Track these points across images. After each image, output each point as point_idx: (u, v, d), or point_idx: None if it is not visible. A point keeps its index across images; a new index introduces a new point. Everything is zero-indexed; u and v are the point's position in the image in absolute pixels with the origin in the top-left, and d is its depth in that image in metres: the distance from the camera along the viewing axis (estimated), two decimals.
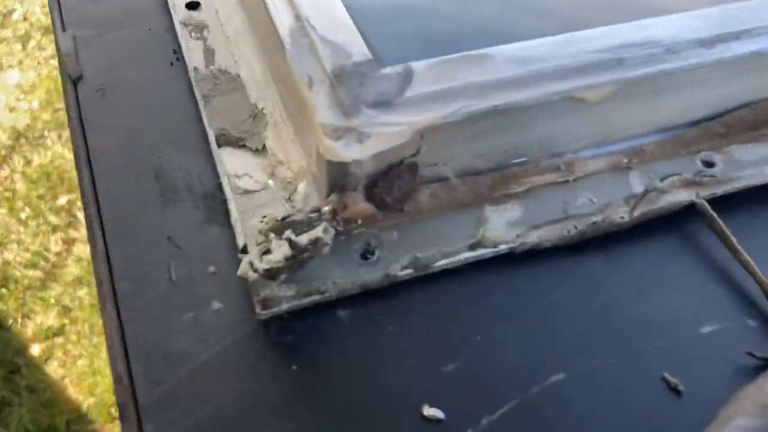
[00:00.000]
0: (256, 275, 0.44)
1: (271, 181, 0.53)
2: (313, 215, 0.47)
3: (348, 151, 0.46)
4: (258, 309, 0.46)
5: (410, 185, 0.50)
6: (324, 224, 0.45)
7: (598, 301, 0.49)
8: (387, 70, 0.49)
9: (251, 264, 0.44)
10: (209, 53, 0.63)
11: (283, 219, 0.47)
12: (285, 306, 0.46)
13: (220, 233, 0.51)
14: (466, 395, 0.44)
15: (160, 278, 0.49)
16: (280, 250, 0.45)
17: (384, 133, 0.47)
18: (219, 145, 0.55)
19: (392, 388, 0.44)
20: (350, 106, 0.47)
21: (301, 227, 0.46)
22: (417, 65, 0.49)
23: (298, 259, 0.44)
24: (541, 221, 0.52)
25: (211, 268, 0.49)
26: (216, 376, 0.44)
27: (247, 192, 0.52)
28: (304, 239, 0.44)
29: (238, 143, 0.55)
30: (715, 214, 0.52)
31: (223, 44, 0.63)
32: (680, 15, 0.55)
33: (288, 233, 0.43)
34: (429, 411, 0.43)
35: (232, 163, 0.54)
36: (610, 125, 0.54)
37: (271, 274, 0.44)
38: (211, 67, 0.61)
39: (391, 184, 0.49)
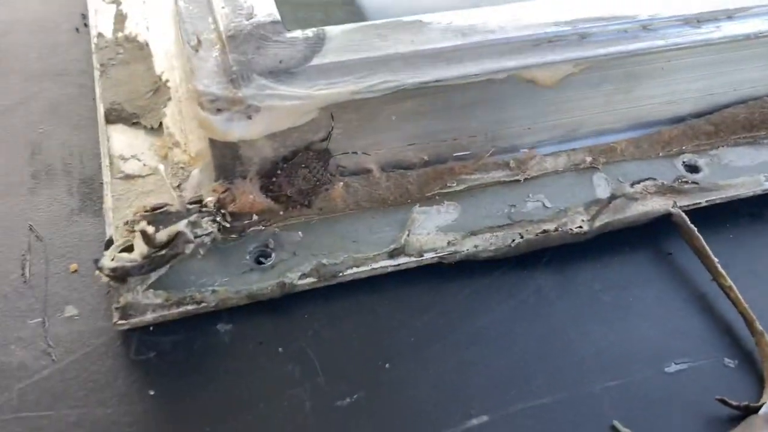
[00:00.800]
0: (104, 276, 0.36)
1: (161, 166, 0.44)
2: (192, 206, 0.39)
3: (231, 128, 0.37)
4: (116, 318, 0.37)
5: (319, 176, 0.41)
6: (193, 217, 0.36)
7: (542, 327, 0.40)
8: (294, 34, 0.40)
9: (96, 262, 0.35)
10: (120, 18, 0.54)
11: (154, 209, 0.38)
12: (150, 316, 0.38)
13: (93, 225, 0.43)
14: None
15: (11, 275, 0.40)
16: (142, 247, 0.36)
17: (278, 108, 0.38)
18: (108, 122, 0.46)
19: (269, 425, 0.35)
20: (240, 74, 0.38)
21: (176, 220, 0.38)
22: (332, 30, 0.41)
23: (155, 258, 0.35)
24: (481, 227, 0.43)
25: (73, 266, 0.41)
26: (54, 399, 0.36)
27: (129, 177, 0.43)
28: (163, 234, 0.35)
29: (131, 120, 0.47)
30: (694, 229, 0.43)
31: (138, 9, 0.55)
32: None
33: (142, 225, 0.34)
34: None
35: (120, 142, 0.45)
36: (572, 116, 0.45)
37: (120, 275, 0.35)
38: (119, 33, 0.53)
39: (295, 174, 0.40)
